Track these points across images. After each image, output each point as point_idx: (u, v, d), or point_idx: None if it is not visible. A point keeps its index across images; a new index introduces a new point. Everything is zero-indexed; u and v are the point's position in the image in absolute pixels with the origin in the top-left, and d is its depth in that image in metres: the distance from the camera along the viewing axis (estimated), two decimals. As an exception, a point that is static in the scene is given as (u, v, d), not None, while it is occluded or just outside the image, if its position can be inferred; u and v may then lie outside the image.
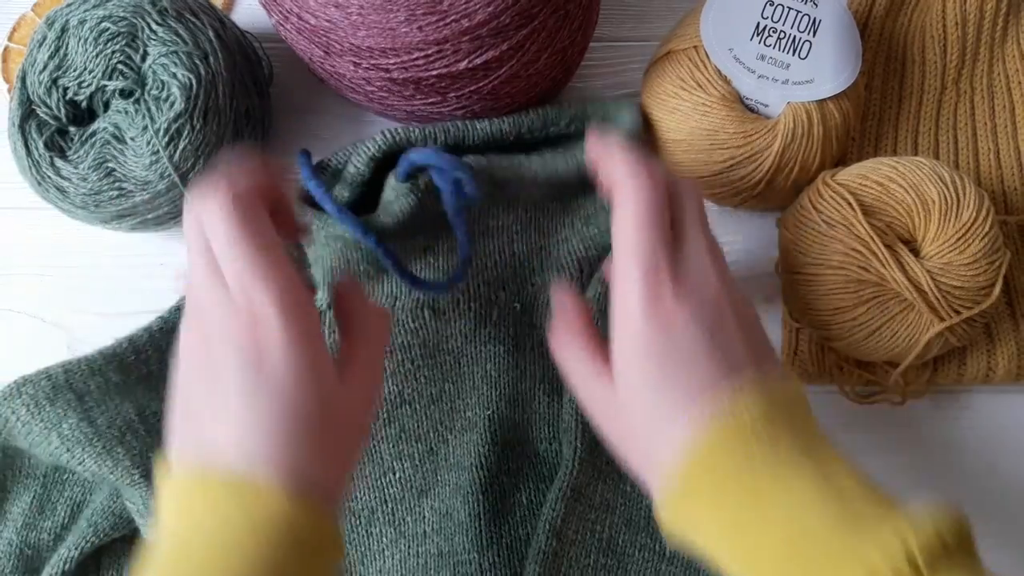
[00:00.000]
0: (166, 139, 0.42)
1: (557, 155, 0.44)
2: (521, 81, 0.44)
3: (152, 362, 0.46)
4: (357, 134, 0.52)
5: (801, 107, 0.45)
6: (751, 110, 0.46)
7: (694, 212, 0.36)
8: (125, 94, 0.44)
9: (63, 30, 0.44)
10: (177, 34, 0.43)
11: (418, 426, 0.47)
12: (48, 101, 0.44)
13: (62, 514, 0.46)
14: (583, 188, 0.47)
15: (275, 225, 0.34)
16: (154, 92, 0.43)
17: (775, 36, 0.46)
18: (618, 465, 0.44)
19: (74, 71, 0.44)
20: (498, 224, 0.46)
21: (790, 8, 0.46)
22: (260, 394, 0.31)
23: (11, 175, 0.47)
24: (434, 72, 0.41)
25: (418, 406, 0.47)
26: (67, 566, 0.44)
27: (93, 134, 0.43)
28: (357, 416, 0.36)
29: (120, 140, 0.43)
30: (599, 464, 0.44)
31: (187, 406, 0.33)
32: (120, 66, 0.43)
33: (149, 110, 0.42)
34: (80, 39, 0.43)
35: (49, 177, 0.44)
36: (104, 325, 0.50)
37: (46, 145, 0.44)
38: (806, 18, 0.46)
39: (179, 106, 0.42)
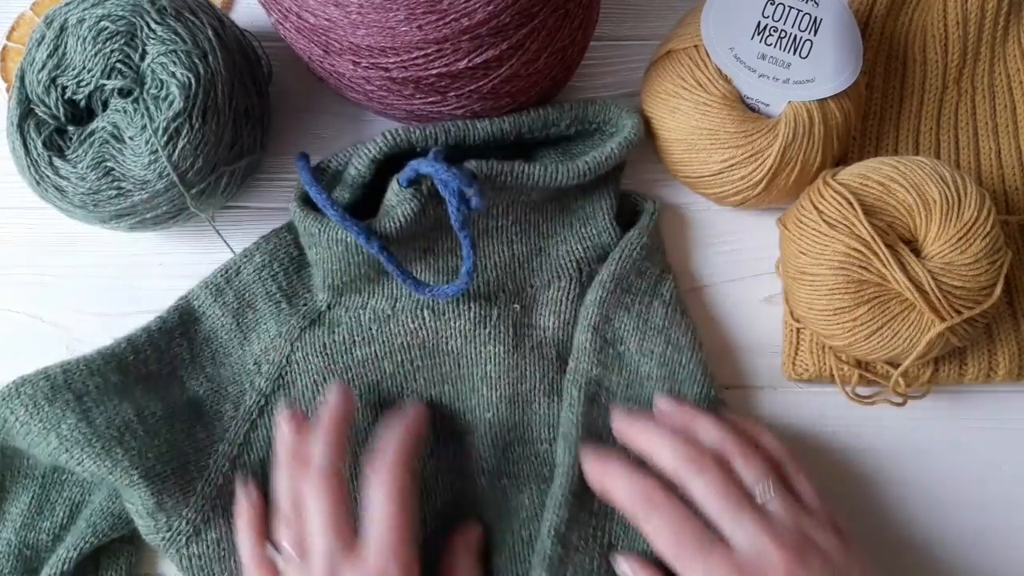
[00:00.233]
0: (165, 138, 0.42)
1: (559, 163, 0.44)
2: (521, 80, 0.44)
3: (151, 362, 0.46)
4: (356, 133, 0.52)
5: (802, 106, 0.45)
6: (752, 109, 0.46)
7: None
8: (124, 93, 0.43)
9: (62, 29, 0.44)
10: (176, 33, 0.43)
11: None
12: (47, 100, 0.44)
13: (61, 514, 0.46)
14: (580, 189, 0.47)
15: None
16: (153, 91, 0.43)
17: (776, 35, 0.46)
18: None
19: (73, 70, 0.43)
20: (497, 225, 0.46)
21: (791, 7, 0.46)
22: None
23: (10, 175, 0.47)
24: (434, 71, 0.41)
25: None
26: (66, 566, 0.44)
27: (92, 133, 0.43)
28: None
29: (119, 139, 0.43)
30: None
31: None
32: (119, 65, 0.43)
33: (148, 109, 0.42)
34: (79, 38, 0.43)
35: (48, 176, 0.44)
36: (103, 325, 0.50)
37: (45, 144, 0.44)
38: (807, 17, 0.46)
39: (178, 105, 0.42)
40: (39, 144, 0.44)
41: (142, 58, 0.43)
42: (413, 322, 0.46)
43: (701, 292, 0.50)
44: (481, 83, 0.43)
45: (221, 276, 0.47)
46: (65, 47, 0.44)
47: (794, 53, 0.46)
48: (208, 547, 0.44)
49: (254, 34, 0.49)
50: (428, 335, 0.46)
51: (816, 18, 0.46)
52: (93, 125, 0.44)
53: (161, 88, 0.42)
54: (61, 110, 0.44)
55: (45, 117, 0.44)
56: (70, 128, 0.44)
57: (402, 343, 0.46)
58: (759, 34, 0.46)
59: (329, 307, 0.47)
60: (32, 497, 0.46)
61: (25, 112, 0.44)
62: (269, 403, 0.46)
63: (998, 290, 0.42)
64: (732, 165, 0.46)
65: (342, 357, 0.46)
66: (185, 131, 0.42)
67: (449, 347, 0.46)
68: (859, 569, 0.39)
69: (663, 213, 0.50)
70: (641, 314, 0.46)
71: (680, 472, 0.40)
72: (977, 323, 0.43)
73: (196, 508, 0.44)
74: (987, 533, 0.48)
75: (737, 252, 0.51)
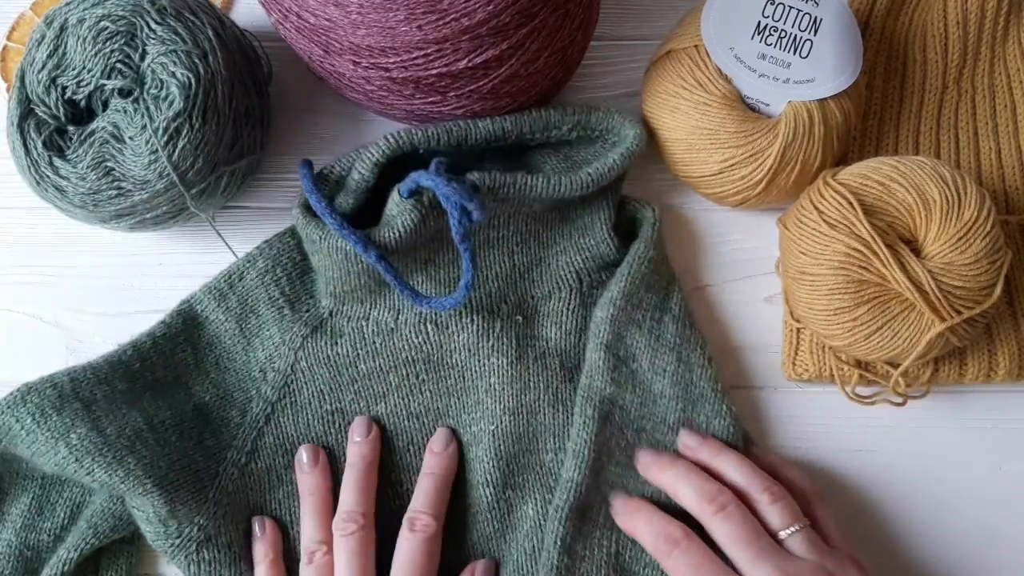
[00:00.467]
0: (165, 138, 0.42)
1: (562, 175, 0.44)
2: (521, 80, 0.44)
3: (157, 369, 0.46)
4: (356, 133, 0.52)
5: (802, 106, 0.45)
6: (752, 109, 0.46)
7: None
8: (124, 93, 0.43)
9: (62, 29, 0.44)
10: (176, 33, 0.43)
11: (425, 440, 0.47)
12: (47, 100, 0.44)
13: (61, 515, 0.46)
14: (580, 198, 0.46)
15: None
16: (153, 91, 0.43)
17: (776, 35, 0.46)
18: (619, 485, 0.45)
19: (73, 70, 0.43)
20: (499, 236, 0.47)
21: (791, 7, 0.46)
22: None
23: (10, 175, 0.47)
24: (434, 71, 0.41)
25: (425, 420, 0.47)
26: (66, 567, 0.43)
27: (92, 133, 0.43)
28: None
29: (119, 139, 0.43)
30: (603, 488, 0.45)
31: None
32: (119, 65, 0.43)
33: (148, 109, 0.42)
34: (79, 38, 0.43)
35: (48, 176, 0.43)
36: (103, 325, 0.50)
37: (45, 144, 0.44)
38: (807, 17, 0.46)
39: (178, 105, 0.42)
40: (39, 144, 0.43)
41: (142, 58, 0.43)
42: (417, 336, 0.46)
43: (701, 292, 0.50)
44: (481, 83, 0.43)
45: (224, 281, 0.47)
46: (65, 47, 0.44)
47: (794, 53, 0.46)
48: (219, 551, 0.44)
49: (254, 34, 0.49)
50: (432, 349, 0.46)
51: (816, 18, 0.46)
52: (93, 125, 0.43)
53: (161, 88, 0.42)
54: (61, 110, 0.44)
55: (45, 117, 0.44)
56: (70, 128, 0.44)
57: (407, 357, 0.46)
58: (759, 34, 0.46)
59: (331, 314, 0.47)
60: (32, 498, 0.46)
61: (25, 112, 0.44)
62: (275, 411, 0.46)
63: (998, 290, 0.42)
64: (732, 165, 0.46)
65: (347, 370, 0.47)
66: (185, 131, 0.42)
67: (453, 360, 0.47)
68: None
69: (663, 215, 0.50)
70: (652, 330, 0.46)
71: (701, 512, 0.41)
72: (977, 323, 0.43)
73: (208, 515, 0.44)
74: (987, 533, 0.48)
75: (737, 252, 0.51)
